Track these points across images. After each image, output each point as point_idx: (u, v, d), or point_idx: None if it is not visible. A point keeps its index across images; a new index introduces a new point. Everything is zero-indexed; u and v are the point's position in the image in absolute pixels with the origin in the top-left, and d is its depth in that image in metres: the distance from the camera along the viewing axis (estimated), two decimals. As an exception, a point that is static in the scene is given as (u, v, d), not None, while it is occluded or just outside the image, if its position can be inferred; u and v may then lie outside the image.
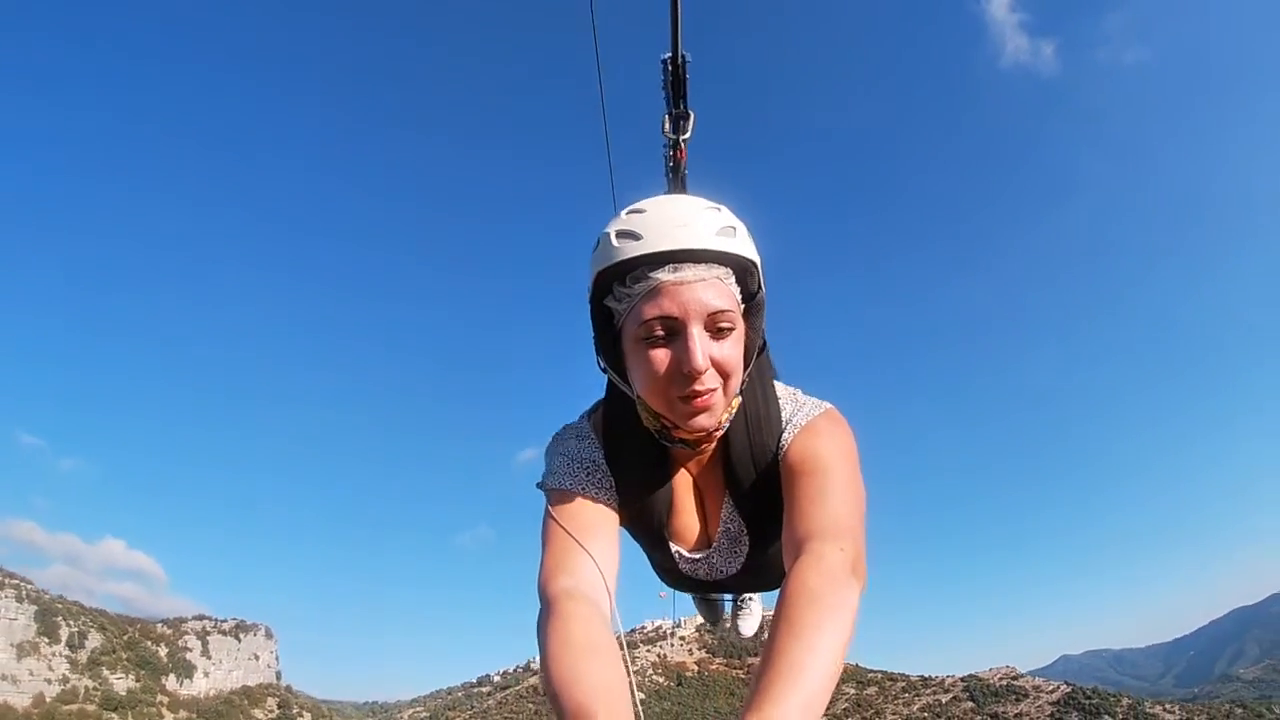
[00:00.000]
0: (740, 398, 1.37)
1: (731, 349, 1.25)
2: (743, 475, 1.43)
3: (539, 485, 1.44)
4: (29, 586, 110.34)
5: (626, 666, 1.10)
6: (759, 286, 1.31)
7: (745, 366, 1.32)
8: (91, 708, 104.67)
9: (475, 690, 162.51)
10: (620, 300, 1.27)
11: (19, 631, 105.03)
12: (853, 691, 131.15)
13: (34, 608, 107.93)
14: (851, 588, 1.09)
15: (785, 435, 1.39)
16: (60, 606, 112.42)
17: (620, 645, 1.13)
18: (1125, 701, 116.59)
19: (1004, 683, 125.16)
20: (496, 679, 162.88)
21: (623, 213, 1.29)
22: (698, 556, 1.56)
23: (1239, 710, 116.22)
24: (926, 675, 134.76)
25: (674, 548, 1.55)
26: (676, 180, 2.43)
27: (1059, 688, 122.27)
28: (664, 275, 1.20)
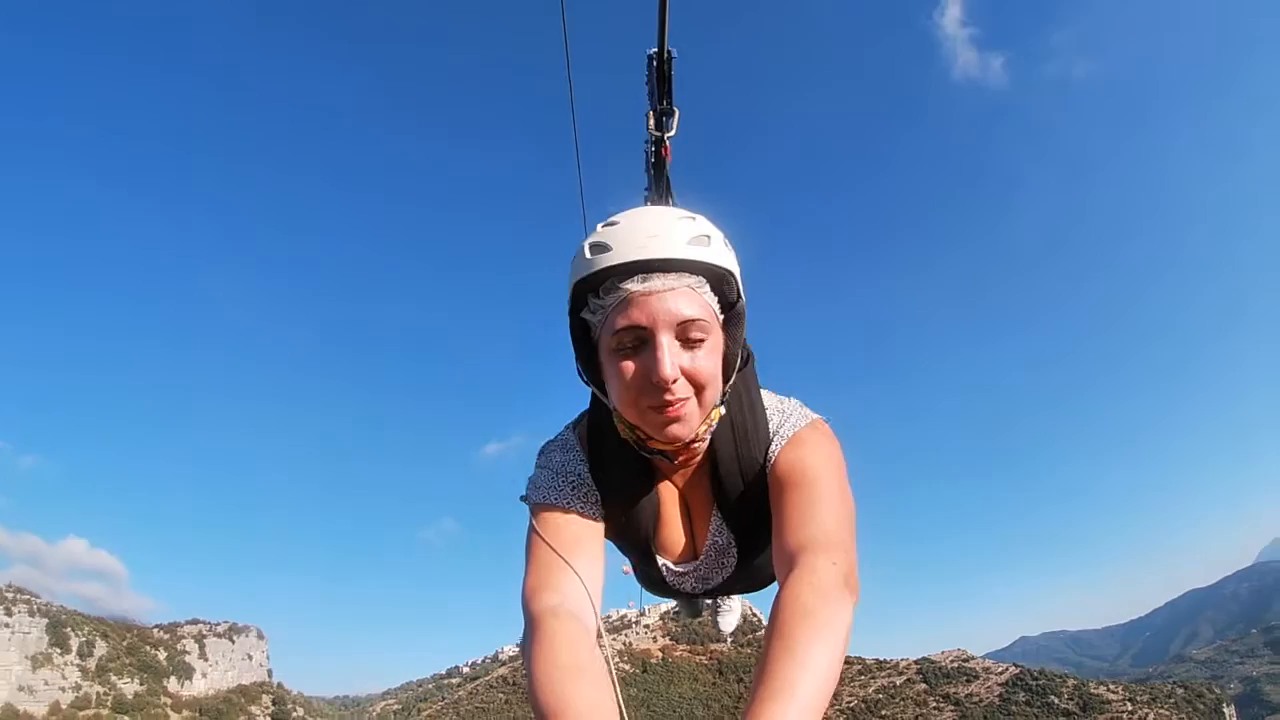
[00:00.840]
0: (724, 409, 1.36)
1: (704, 359, 1.24)
2: (730, 488, 1.42)
3: (523, 499, 1.42)
4: (38, 601, 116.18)
5: (614, 685, 1.09)
6: (738, 296, 1.30)
7: (727, 378, 1.32)
8: (105, 712, 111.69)
9: (445, 682, 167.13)
10: (595, 313, 1.26)
11: (32, 644, 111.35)
12: None
13: (45, 620, 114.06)
14: (845, 603, 1.09)
15: (773, 447, 1.38)
16: (67, 618, 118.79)
17: (607, 663, 1.12)
18: (1071, 682, 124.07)
19: (955, 665, 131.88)
20: (466, 670, 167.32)
21: (598, 225, 1.28)
22: (684, 569, 1.55)
23: (1180, 690, 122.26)
24: (882, 658, 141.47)
25: (661, 561, 1.54)
26: (659, 179, 2.36)
27: (1008, 669, 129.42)
28: (633, 285, 1.20)
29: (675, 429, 1.25)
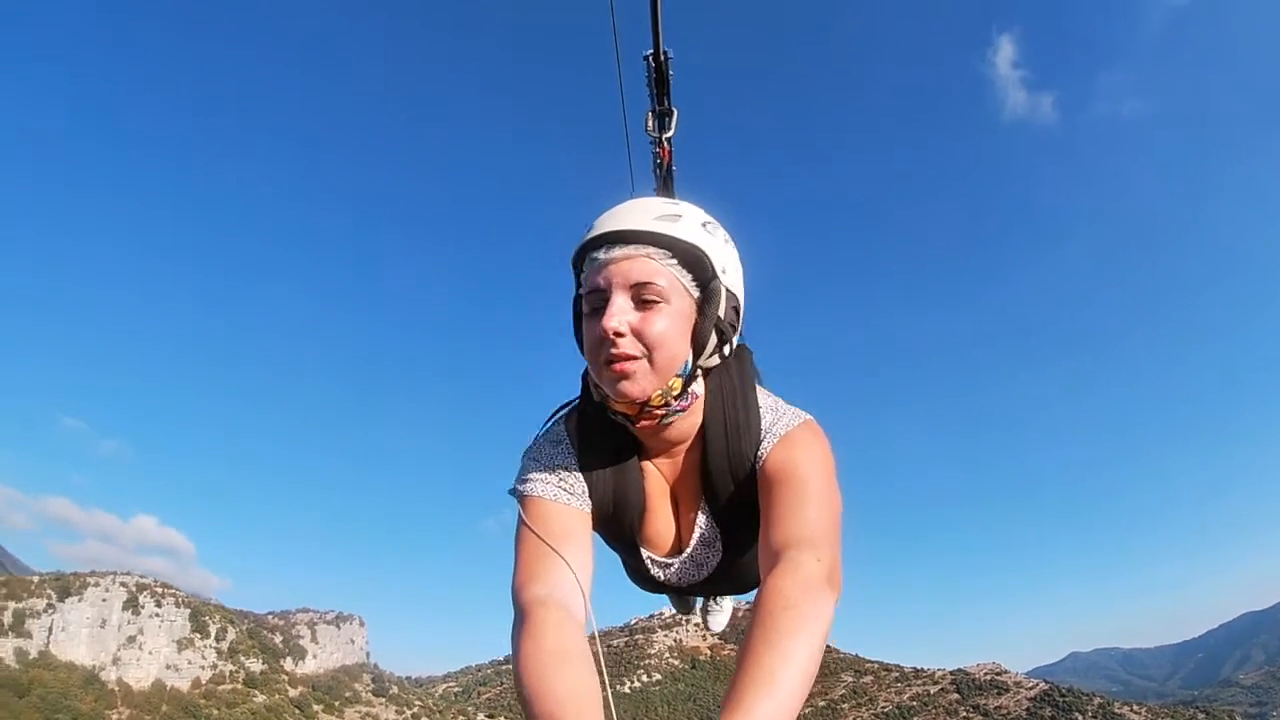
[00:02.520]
0: (698, 389, 1.39)
1: (656, 321, 1.27)
2: (719, 482, 1.43)
3: (511, 491, 1.44)
4: (182, 594, 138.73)
5: (601, 673, 1.11)
6: (713, 275, 1.33)
7: (698, 354, 1.34)
8: (238, 686, 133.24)
9: (503, 667, 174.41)
10: (580, 286, 1.36)
11: (178, 630, 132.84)
12: (850, 679, 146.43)
13: (187, 610, 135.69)
14: (827, 597, 1.11)
15: (764, 445, 1.39)
16: (205, 608, 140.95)
17: (596, 652, 1.15)
18: (1097, 701, 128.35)
19: (989, 677, 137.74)
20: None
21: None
22: (670, 562, 1.56)
23: (1202, 716, 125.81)
24: (919, 667, 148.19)
25: (645, 553, 1.54)
26: (664, 179, 2.41)
27: (1038, 685, 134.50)
28: (600, 254, 1.29)
29: (624, 385, 1.28)
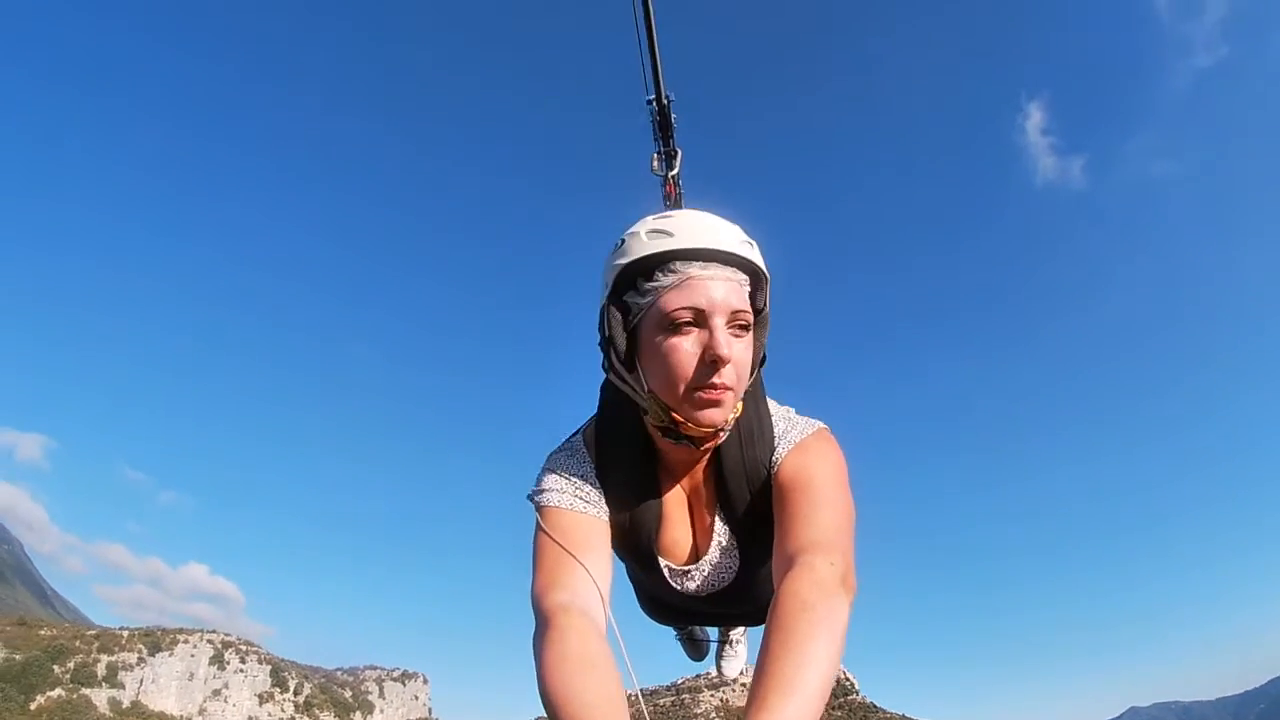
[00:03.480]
0: (740, 408, 1.39)
1: (744, 351, 1.29)
2: (735, 490, 1.43)
3: (529, 498, 1.43)
4: (264, 652, 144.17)
5: (631, 676, 1.11)
6: (764, 303, 1.36)
7: (750, 376, 1.36)
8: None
9: None
10: (644, 294, 1.29)
11: (259, 685, 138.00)
12: None
13: (269, 667, 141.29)
14: (842, 599, 1.11)
15: (778, 452, 1.40)
16: (284, 664, 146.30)
17: (623, 657, 1.14)
18: None
19: None
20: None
21: (649, 218, 1.33)
22: (688, 570, 1.54)
23: None
24: None
25: (663, 562, 1.53)
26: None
27: None
28: (695, 270, 1.25)
29: (714, 413, 1.28)
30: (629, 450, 1.43)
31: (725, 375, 1.25)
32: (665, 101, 2.29)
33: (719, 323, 1.24)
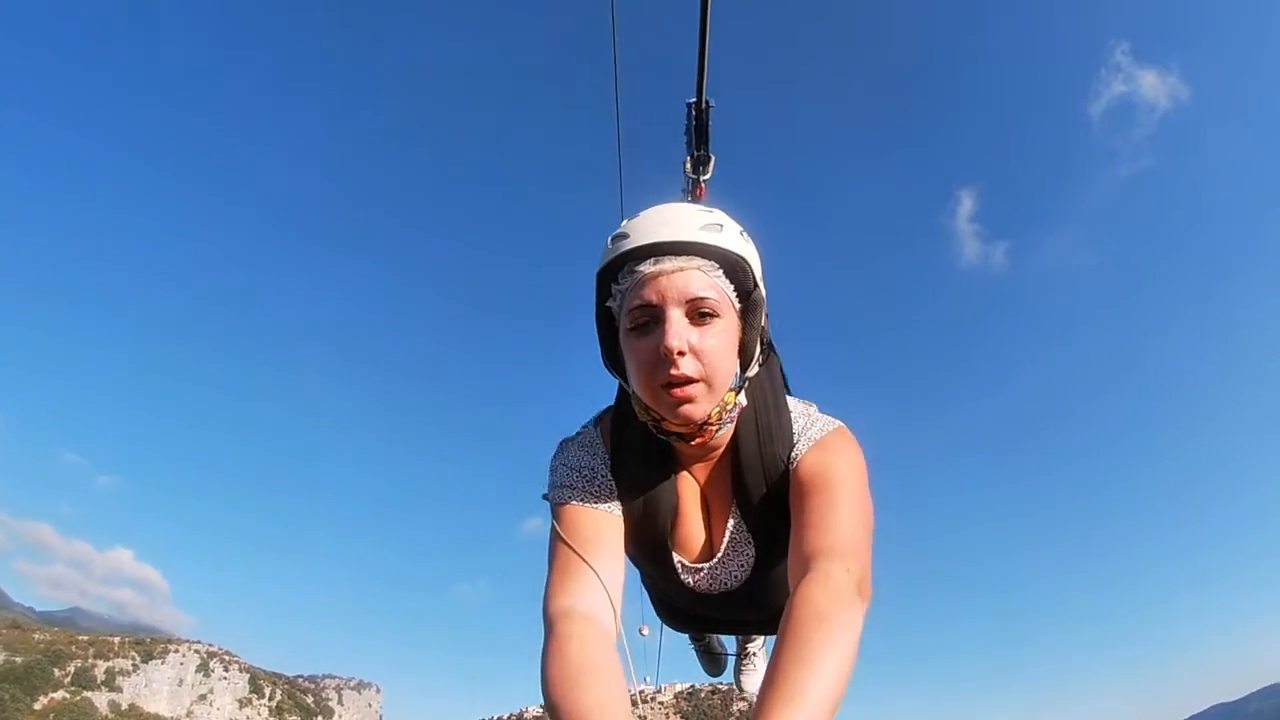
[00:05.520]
0: (743, 400, 1.37)
1: (714, 338, 1.24)
2: (752, 485, 1.41)
3: (544, 496, 1.43)
4: (244, 661, 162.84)
5: (632, 682, 1.10)
6: (755, 284, 1.31)
7: (745, 366, 1.33)
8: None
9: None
10: (615, 299, 1.30)
11: (239, 690, 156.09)
12: None
13: (247, 675, 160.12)
14: (857, 608, 1.09)
15: (797, 449, 1.38)
16: (261, 673, 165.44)
17: (626, 660, 1.14)
18: None
19: None
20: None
21: (624, 222, 1.33)
22: (700, 567, 1.51)
23: None
24: None
25: (676, 558, 1.51)
26: None
27: None
28: (647, 267, 1.23)
29: (686, 409, 1.25)
30: (643, 444, 1.41)
31: (686, 366, 1.22)
32: (705, 106, 2.33)
33: (673, 314, 1.22)
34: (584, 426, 1.52)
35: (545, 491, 1.43)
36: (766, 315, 1.37)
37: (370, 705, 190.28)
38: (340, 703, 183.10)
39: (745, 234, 1.33)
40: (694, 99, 2.31)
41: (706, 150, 2.39)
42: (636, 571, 1.64)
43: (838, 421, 1.44)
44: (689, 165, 2.41)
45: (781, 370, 1.49)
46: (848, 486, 1.29)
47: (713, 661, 2.88)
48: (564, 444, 1.49)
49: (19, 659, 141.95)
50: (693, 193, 2.46)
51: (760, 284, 1.32)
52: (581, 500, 1.37)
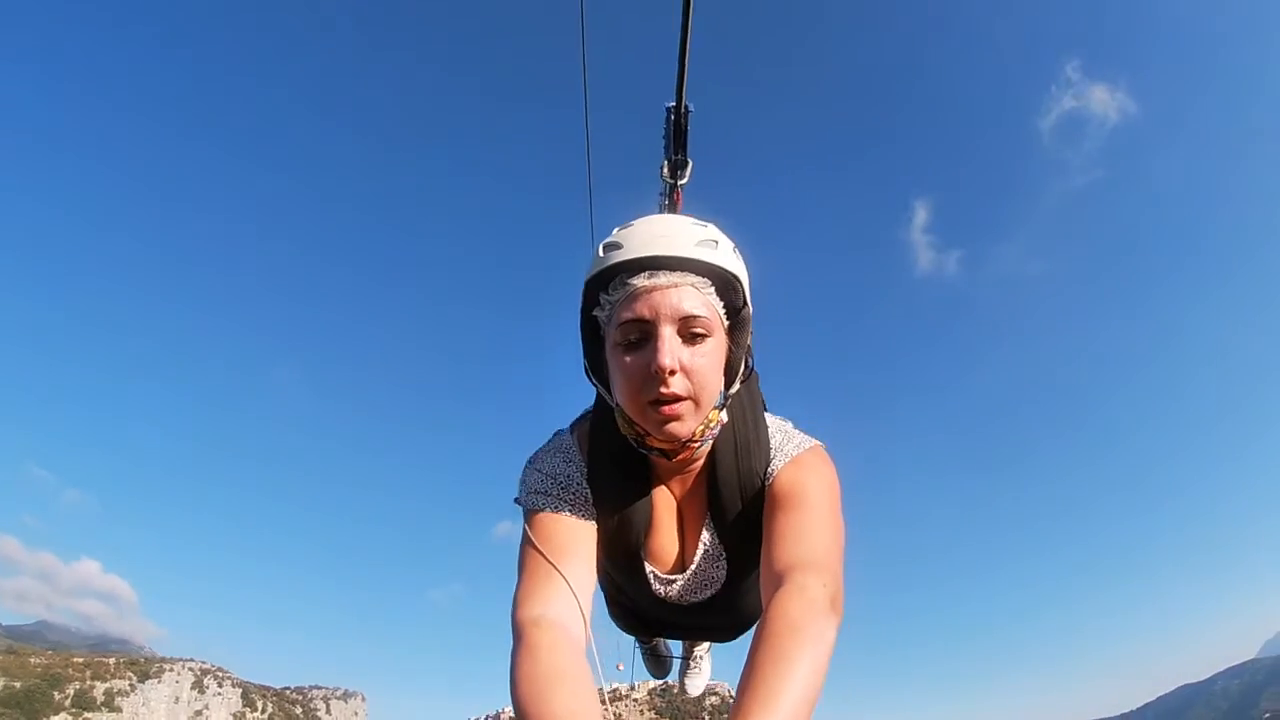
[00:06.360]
0: (724, 417, 1.37)
1: (704, 357, 1.25)
2: (727, 500, 1.42)
3: (516, 501, 1.42)
4: (236, 677, 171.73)
5: (603, 686, 1.11)
6: (744, 302, 1.31)
7: (729, 383, 1.33)
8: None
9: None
10: (603, 309, 1.29)
11: (233, 705, 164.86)
12: None
13: (240, 690, 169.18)
14: (830, 622, 1.11)
15: (773, 465, 1.39)
16: (252, 687, 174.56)
17: (595, 669, 1.14)
18: None
19: None
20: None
21: (615, 230, 1.31)
22: (673, 579, 1.52)
23: None
24: None
25: (649, 568, 1.51)
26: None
27: None
28: (640, 281, 1.22)
29: (673, 427, 1.25)
30: (621, 452, 1.40)
31: (676, 385, 1.22)
32: (685, 110, 2.31)
33: (665, 332, 1.22)
34: (558, 433, 1.51)
35: (517, 495, 1.42)
36: (752, 333, 1.37)
37: (356, 714, 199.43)
38: (328, 712, 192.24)
39: (737, 250, 1.33)
40: (673, 103, 2.30)
41: (685, 155, 2.39)
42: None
43: (814, 440, 1.46)
44: (665, 170, 2.41)
45: (759, 387, 1.51)
46: (822, 503, 1.31)
47: (659, 664, 2.99)
48: (539, 452, 1.48)
49: (18, 684, 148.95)
50: (670, 198, 2.48)
51: (749, 302, 1.32)
52: (555, 508, 1.36)
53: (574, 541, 1.33)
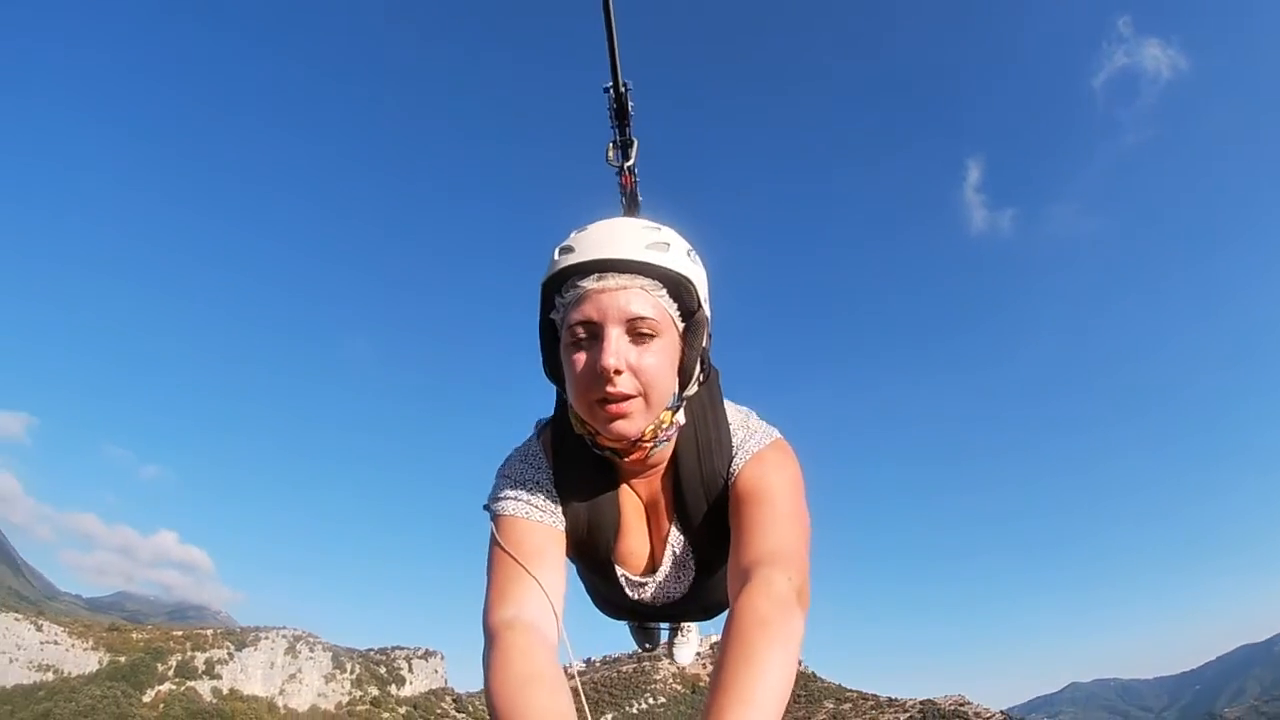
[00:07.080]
0: (681, 418, 1.39)
1: (652, 357, 1.27)
2: (692, 500, 1.44)
3: (485, 507, 1.43)
4: (326, 641, 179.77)
5: (579, 692, 1.12)
6: (698, 305, 1.33)
7: (684, 385, 1.35)
8: (368, 707, 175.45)
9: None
10: (558, 310, 1.31)
11: (323, 668, 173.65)
12: (831, 706, 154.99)
13: (330, 654, 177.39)
14: (798, 615, 1.14)
15: (735, 463, 1.41)
16: (340, 650, 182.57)
17: (570, 671, 1.15)
18: None
19: (953, 708, 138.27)
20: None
21: (572, 233, 1.33)
22: (644, 581, 1.54)
23: None
24: (893, 697, 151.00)
25: (620, 571, 1.53)
26: (629, 205, 2.45)
27: (995, 717, 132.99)
28: (590, 283, 1.25)
29: (621, 425, 1.27)
30: (586, 458, 1.42)
31: (623, 384, 1.25)
32: (622, 89, 2.26)
33: (613, 333, 1.24)
34: (528, 440, 1.53)
35: (486, 502, 1.44)
36: (710, 336, 1.40)
37: (436, 671, 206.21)
38: (410, 670, 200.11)
39: (694, 254, 1.34)
40: (610, 83, 2.25)
41: (629, 135, 2.34)
42: (573, 567, 1.63)
43: (775, 432, 1.47)
44: (611, 152, 2.37)
45: (718, 382, 1.51)
46: (785, 498, 1.34)
47: (647, 635, 3.07)
48: (507, 459, 1.50)
49: (122, 658, 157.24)
50: (621, 181, 2.42)
51: (704, 305, 1.35)
52: (525, 513, 1.38)
53: (544, 545, 1.34)
